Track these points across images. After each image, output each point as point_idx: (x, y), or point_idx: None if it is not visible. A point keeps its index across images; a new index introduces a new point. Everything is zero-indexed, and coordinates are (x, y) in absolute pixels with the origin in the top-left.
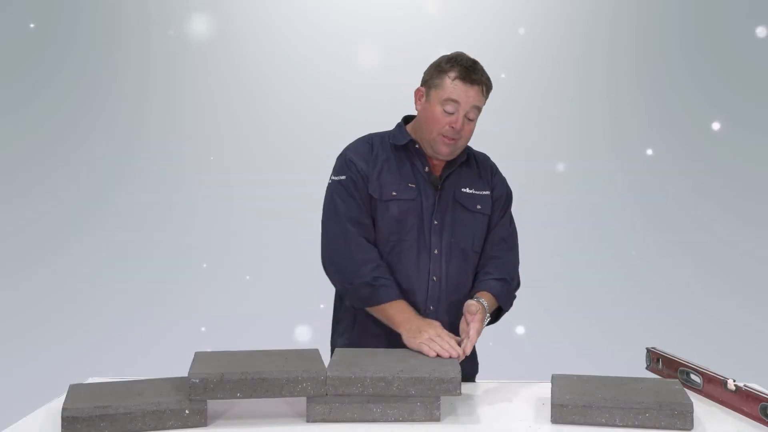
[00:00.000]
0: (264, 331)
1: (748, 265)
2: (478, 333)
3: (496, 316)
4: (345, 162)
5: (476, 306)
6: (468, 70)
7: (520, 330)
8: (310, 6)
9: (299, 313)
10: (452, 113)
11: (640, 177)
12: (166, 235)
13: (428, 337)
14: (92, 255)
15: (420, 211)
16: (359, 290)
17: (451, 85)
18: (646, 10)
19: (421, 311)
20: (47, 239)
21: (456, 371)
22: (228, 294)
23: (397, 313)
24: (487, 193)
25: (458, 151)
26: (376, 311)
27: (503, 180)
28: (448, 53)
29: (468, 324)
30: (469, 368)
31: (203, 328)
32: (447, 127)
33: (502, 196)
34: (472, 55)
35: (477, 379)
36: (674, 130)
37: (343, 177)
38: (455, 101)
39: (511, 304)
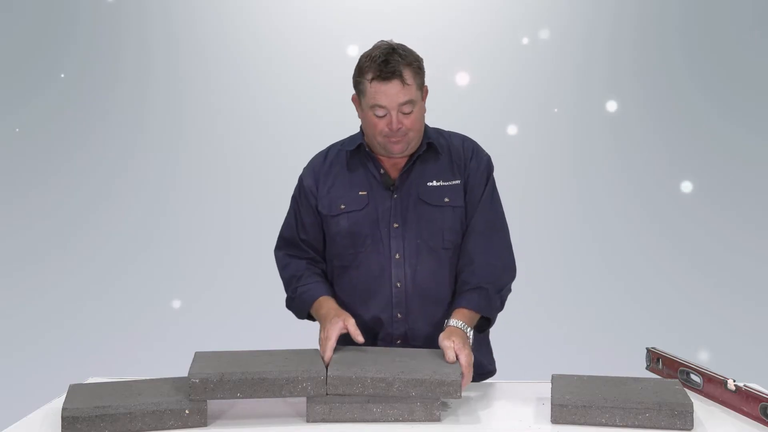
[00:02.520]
0: (264, 331)
1: (748, 265)
2: (469, 362)
3: (488, 321)
4: (299, 180)
5: (450, 352)
6: (381, 65)
7: (520, 330)
8: (312, 6)
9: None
10: (383, 116)
11: (640, 176)
12: (167, 235)
13: (321, 340)
14: (92, 255)
15: (375, 218)
16: (290, 308)
17: (371, 89)
18: (646, 10)
19: (388, 320)
20: (47, 239)
21: (457, 374)
22: (228, 294)
23: (317, 311)
24: (458, 182)
25: (414, 143)
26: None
27: (482, 159)
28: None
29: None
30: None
31: (203, 328)
32: (385, 128)
33: (478, 177)
34: (472, 55)
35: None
36: (674, 129)
37: (294, 194)
38: (380, 105)
39: (498, 308)
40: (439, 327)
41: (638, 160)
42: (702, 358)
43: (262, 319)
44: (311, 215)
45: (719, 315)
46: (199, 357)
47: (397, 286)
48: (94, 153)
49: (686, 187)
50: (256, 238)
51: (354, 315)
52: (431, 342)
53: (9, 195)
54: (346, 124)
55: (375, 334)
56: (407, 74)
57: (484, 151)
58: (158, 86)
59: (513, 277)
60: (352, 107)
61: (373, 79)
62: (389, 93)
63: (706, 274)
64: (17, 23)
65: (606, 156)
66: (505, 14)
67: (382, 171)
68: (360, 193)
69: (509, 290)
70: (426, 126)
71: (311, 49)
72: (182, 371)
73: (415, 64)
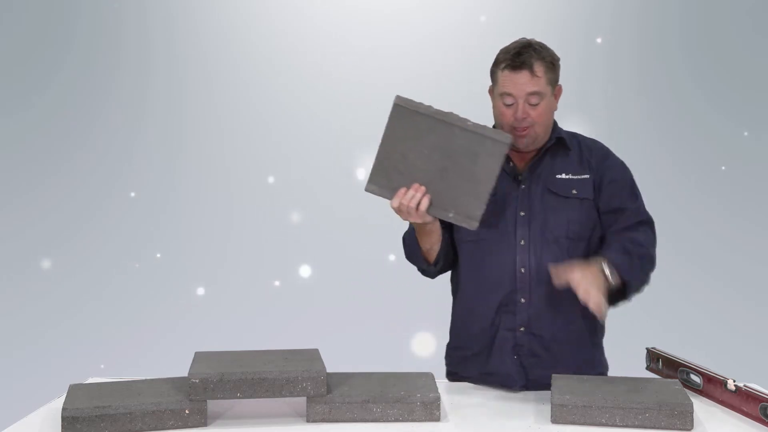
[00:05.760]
0: (264, 331)
1: (748, 265)
2: (598, 288)
3: (623, 294)
4: None
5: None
6: (513, 56)
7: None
8: (313, 6)
9: (300, 312)
10: (511, 105)
11: (639, 176)
12: (166, 235)
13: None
14: (92, 255)
15: (502, 207)
16: (404, 245)
17: (502, 77)
18: (646, 10)
19: (513, 302)
20: (47, 239)
21: None
22: (228, 294)
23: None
24: (587, 176)
25: (540, 139)
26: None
27: (617, 165)
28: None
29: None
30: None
31: (203, 328)
32: (512, 119)
33: (617, 183)
34: (476, 52)
35: (476, 381)
36: (674, 129)
37: None
38: (508, 93)
39: (639, 280)
40: (563, 315)
41: (636, 159)
42: (702, 358)
43: (262, 319)
44: None
45: (719, 315)
46: (199, 357)
47: (521, 272)
48: (94, 153)
49: (685, 186)
50: (256, 238)
51: (479, 301)
52: (554, 330)
53: (9, 195)
54: (346, 123)
55: (499, 323)
56: (538, 67)
57: (617, 156)
58: (158, 86)
59: (652, 265)
60: (353, 107)
61: (504, 68)
62: (517, 82)
63: (706, 273)
64: (17, 23)
65: None
66: (503, 18)
67: (511, 164)
68: None
69: (648, 282)
70: (557, 125)
71: (312, 50)
72: (182, 371)
73: (548, 59)
